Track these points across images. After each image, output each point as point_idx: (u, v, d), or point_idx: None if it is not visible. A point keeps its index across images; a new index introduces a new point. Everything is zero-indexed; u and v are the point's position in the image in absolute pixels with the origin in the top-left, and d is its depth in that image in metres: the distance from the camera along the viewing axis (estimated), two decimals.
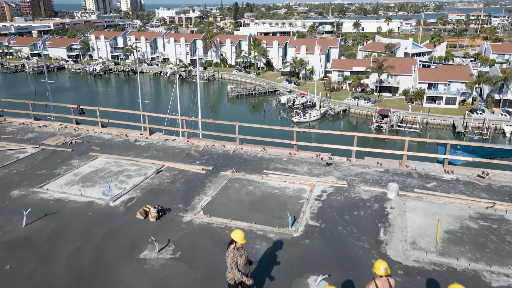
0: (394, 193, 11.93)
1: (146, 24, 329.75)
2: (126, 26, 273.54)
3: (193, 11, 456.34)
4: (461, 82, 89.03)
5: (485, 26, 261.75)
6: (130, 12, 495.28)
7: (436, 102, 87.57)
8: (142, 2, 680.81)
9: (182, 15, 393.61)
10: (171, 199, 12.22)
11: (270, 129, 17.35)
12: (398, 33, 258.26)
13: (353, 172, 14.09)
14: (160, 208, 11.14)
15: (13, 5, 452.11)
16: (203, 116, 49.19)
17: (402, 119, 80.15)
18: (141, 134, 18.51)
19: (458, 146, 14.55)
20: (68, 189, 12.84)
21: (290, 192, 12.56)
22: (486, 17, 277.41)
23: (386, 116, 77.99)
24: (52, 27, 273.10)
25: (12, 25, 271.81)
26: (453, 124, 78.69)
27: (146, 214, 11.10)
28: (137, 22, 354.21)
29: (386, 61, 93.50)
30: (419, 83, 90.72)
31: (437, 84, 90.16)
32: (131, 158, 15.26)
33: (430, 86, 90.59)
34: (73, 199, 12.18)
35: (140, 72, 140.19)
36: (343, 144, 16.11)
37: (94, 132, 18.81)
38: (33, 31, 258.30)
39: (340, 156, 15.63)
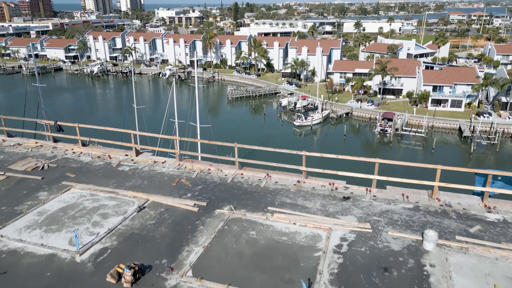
0: (432, 244, 9.52)
1: (146, 25, 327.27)
2: (125, 26, 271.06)
3: (193, 11, 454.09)
4: (467, 84, 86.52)
5: (487, 26, 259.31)
6: (130, 12, 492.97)
7: (441, 105, 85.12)
8: (142, 2, 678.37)
9: (182, 15, 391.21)
10: (153, 250, 9.76)
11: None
12: (400, 33, 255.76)
13: (376, 210, 11.67)
14: (137, 268, 8.69)
15: (12, 5, 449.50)
16: (202, 121, 46.70)
17: (406, 122, 77.72)
18: (126, 155, 16.11)
19: (499, 177, 12.16)
20: (28, 235, 10.41)
21: (302, 239, 10.10)
22: (488, 17, 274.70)
23: (390, 120, 75.56)
24: (50, 28, 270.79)
25: (11, 25, 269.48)
26: (459, 128, 76.22)
27: (120, 276, 8.68)
28: (137, 22, 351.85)
29: (389, 62, 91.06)
30: (423, 85, 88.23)
31: (442, 86, 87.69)
32: (110, 189, 12.84)
33: (435, 88, 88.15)
34: (32, 251, 9.75)
35: (138, 73, 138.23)
36: (360, 168, 13.57)
37: (73, 153, 16.40)
38: (31, 32, 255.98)
39: (357, 186, 13.22)
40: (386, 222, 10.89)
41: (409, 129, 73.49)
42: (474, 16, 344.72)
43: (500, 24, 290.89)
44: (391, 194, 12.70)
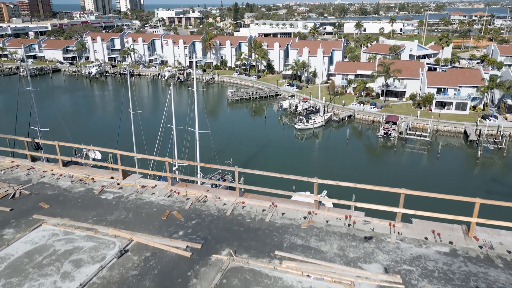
0: None
1: (145, 25, 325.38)
2: (124, 27, 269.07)
3: (193, 11, 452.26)
4: (472, 86, 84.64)
5: (489, 27, 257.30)
6: (130, 13, 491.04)
7: (446, 107, 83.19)
8: (142, 3, 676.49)
9: (181, 15, 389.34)
10: None
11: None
12: (401, 33, 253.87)
13: (406, 254, 9.70)
14: None
15: (11, 6, 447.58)
16: (201, 126, 44.78)
17: (411, 126, 75.80)
18: (112, 177, 14.18)
19: None
20: None
21: None
22: (489, 18, 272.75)
23: (394, 123, 73.64)
24: (49, 28, 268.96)
25: (9, 26, 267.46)
26: (465, 132, 74.27)
27: None
28: (136, 23, 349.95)
29: (392, 64, 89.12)
30: (427, 87, 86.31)
31: (447, 88, 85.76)
32: (88, 225, 10.88)
33: (439, 90, 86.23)
34: None
35: (137, 74, 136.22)
36: (379, 195, 11.59)
37: (52, 174, 14.46)
38: (29, 32, 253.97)
39: (379, 219, 11.28)
40: (420, 273, 8.92)
41: (414, 132, 71.55)
42: (475, 16, 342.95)
43: (501, 24, 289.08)
44: (419, 230, 10.75)
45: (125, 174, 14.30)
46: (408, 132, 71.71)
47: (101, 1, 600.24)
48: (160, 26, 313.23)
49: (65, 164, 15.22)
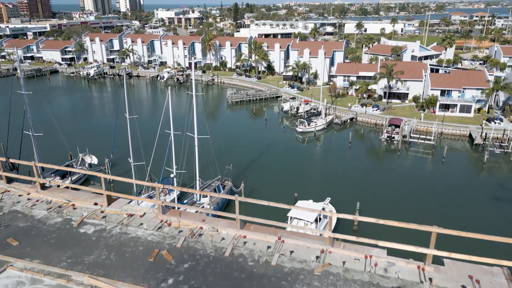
0: None
1: (145, 25, 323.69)
2: (123, 27, 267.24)
3: (193, 12, 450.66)
4: (477, 88, 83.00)
5: (490, 27, 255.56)
6: (129, 13, 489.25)
7: (450, 110, 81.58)
8: (142, 3, 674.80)
9: (181, 16, 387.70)
10: None
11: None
12: (402, 34, 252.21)
13: None
14: None
15: (10, 6, 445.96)
16: (200, 131, 43.09)
17: (414, 129, 74.11)
18: (95, 203, 12.47)
19: None
20: None
21: None
22: (490, 18, 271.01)
23: (398, 126, 71.95)
24: (48, 29, 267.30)
25: (8, 26, 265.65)
26: (470, 135, 72.62)
27: None
28: (136, 23, 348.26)
29: (395, 66, 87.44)
30: (431, 89, 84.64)
31: (451, 90, 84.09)
32: (61, 270, 9.12)
33: (443, 93, 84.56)
34: None
35: (136, 76, 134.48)
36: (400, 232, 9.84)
37: (28, 199, 12.74)
38: (28, 33, 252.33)
39: (404, 259, 9.58)
40: None
41: (418, 136, 69.82)
42: (476, 16, 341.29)
43: (502, 25, 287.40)
44: (454, 276, 9.03)
45: (111, 200, 12.59)
46: (412, 135, 70.01)
47: (101, 1, 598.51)
48: (160, 26, 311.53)
49: (44, 186, 13.49)
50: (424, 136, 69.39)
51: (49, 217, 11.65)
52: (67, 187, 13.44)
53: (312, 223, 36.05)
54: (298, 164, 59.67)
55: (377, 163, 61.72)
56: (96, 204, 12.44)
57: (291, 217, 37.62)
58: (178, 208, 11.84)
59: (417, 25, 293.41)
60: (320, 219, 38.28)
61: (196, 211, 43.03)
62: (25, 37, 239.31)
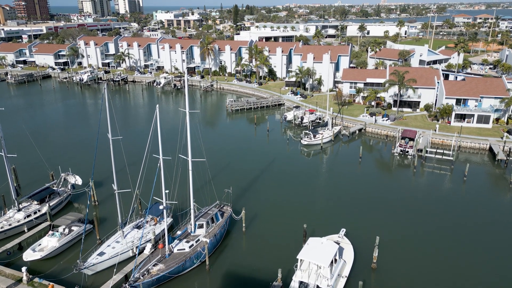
0: None
1: (144, 28, 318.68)
2: (121, 30, 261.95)
3: (192, 14, 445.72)
4: (495, 97, 77.37)
5: (496, 29, 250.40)
6: (128, 15, 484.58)
7: (466, 120, 75.98)
8: (141, 5, 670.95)
9: (180, 18, 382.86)
10: None
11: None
12: (405, 36, 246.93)
13: None
14: None
15: (7, 8, 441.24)
16: (194, 153, 37.42)
17: (430, 142, 68.42)
18: None
19: None
20: None
21: None
22: (494, 20, 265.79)
23: (412, 139, 66.30)
24: (44, 31, 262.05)
25: (3, 29, 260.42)
26: (490, 148, 67.00)
27: None
28: (135, 25, 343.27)
29: (407, 73, 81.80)
30: (445, 98, 78.97)
31: (467, 99, 78.47)
32: None
33: (458, 101, 78.95)
34: None
35: (131, 81, 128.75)
36: None
37: None
38: (23, 36, 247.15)
39: None
40: None
41: (434, 150, 64.04)
42: (480, 18, 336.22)
43: (506, 27, 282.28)
44: None
45: None
46: (427, 150, 64.23)
47: (100, 3, 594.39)
48: (158, 29, 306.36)
49: None
50: (442, 151, 63.62)
51: None
52: None
53: (326, 267, 30.23)
54: (304, 184, 53.96)
55: (391, 182, 55.94)
56: None
57: (301, 260, 31.83)
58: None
59: (420, 27, 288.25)
60: (335, 260, 32.48)
61: (191, 246, 37.42)
62: (20, 40, 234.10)
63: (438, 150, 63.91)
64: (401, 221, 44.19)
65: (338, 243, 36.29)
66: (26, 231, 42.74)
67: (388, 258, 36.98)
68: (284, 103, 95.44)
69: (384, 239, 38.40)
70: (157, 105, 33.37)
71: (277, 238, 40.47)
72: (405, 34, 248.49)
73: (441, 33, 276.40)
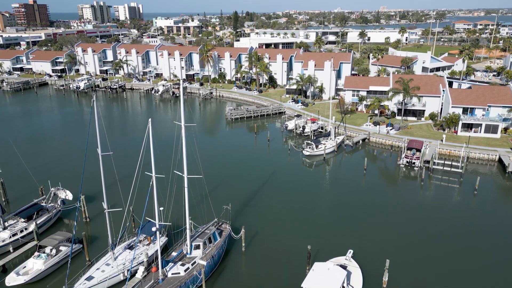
0: None
1: (143, 34, 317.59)
2: (120, 36, 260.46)
3: (192, 20, 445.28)
4: (503, 106, 74.98)
5: (498, 36, 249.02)
6: (128, 22, 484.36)
7: (473, 130, 73.45)
8: (141, 12, 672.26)
9: (180, 24, 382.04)
10: None
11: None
12: (406, 43, 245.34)
13: None
14: None
15: (7, 15, 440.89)
16: (191, 168, 34.85)
17: (437, 153, 65.82)
18: None
19: None
20: None
21: None
22: (494, 26, 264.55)
23: (419, 150, 63.73)
24: (43, 38, 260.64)
25: (1, 35, 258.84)
26: (499, 159, 64.41)
27: None
28: (134, 32, 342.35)
29: (412, 81, 79.44)
30: (452, 107, 76.55)
31: (474, 108, 76.06)
32: None
33: (465, 110, 76.52)
34: None
35: (129, 88, 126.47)
36: None
37: None
38: (21, 42, 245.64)
39: None
40: None
41: (442, 162, 61.35)
42: (480, 25, 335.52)
43: (507, 33, 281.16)
44: None
45: None
46: (435, 161, 61.59)
47: (100, 10, 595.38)
48: (158, 35, 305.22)
49: None
50: (450, 163, 60.95)
51: None
52: None
53: None
54: (307, 198, 51.29)
55: (398, 197, 53.18)
56: None
57: None
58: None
59: (420, 34, 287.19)
60: (343, 287, 29.73)
61: (186, 269, 34.74)
62: (18, 46, 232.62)
63: (446, 162, 61.26)
64: (411, 240, 41.47)
65: (346, 267, 33.61)
66: (11, 251, 40.11)
67: (399, 282, 34.25)
68: (285, 112, 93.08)
69: (394, 260, 35.66)
70: (150, 119, 30.83)
71: (280, 260, 37.75)
72: (406, 40, 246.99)
73: (442, 39, 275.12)
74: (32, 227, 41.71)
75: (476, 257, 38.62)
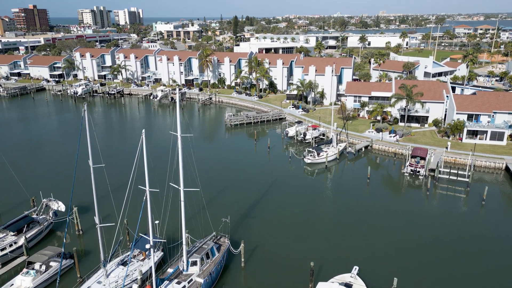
0: None
1: (143, 39, 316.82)
2: (120, 41, 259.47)
3: (192, 25, 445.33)
4: (509, 113, 73.25)
5: (499, 40, 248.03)
6: (128, 26, 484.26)
7: (478, 137, 71.64)
8: (141, 16, 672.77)
9: (180, 29, 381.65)
10: None
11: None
12: (407, 48, 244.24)
13: None
14: None
15: (7, 19, 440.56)
16: (188, 181, 33.01)
17: (443, 161, 63.93)
18: None
19: None
20: None
21: None
22: (495, 31, 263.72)
23: (423, 158, 61.91)
24: (42, 43, 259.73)
25: (0, 40, 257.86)
26: (506, 168, 62.55)
27: None
28: (134, 36, 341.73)
29: (415, 87, 77.78)
30: (456, 113, 74.83)
31: (479, 115, 74.33)
32: None
33: (470, 117, 74.79)
34: None
35: (128, 94, 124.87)
36: None
37: None
38: (20, 47, 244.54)
39: None
40: None
41: (448, 171, 59.46)
42: (481, 29, 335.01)
43: (507, 37, 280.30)
44: None
45: None
46: (440, 170, 59.71)
47: (100, 15, 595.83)
48: (158, 40, 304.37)
49: None
50: (456, 171, 59.02)
51: None
52: None
53: None
54: (309, 209, 49.38)
55: (403, 208, 51.21)
56: None
57: None
58: None
59: (420, 38, 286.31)
60: None
61: None
62: (17, 51, 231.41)
63: (452, 171, 59.37)
64: (420, 254, 39.50)
65: (351, 286, 31.68)
66: (0, 267, 38.18)
67: None
68: (285, 118, 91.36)
69: (402, 278, 33.74)
70: (143, 130, 29.04)
71: (281, 276, 35.81)
72: (407, 45, 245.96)
73: (443, 44, 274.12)
74: (21, 241, 39.79)
75: (494, 275, 36.63)
